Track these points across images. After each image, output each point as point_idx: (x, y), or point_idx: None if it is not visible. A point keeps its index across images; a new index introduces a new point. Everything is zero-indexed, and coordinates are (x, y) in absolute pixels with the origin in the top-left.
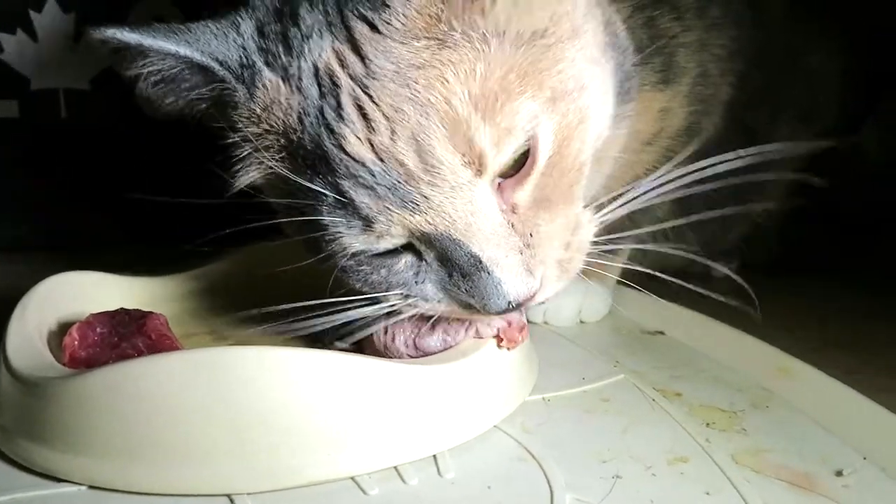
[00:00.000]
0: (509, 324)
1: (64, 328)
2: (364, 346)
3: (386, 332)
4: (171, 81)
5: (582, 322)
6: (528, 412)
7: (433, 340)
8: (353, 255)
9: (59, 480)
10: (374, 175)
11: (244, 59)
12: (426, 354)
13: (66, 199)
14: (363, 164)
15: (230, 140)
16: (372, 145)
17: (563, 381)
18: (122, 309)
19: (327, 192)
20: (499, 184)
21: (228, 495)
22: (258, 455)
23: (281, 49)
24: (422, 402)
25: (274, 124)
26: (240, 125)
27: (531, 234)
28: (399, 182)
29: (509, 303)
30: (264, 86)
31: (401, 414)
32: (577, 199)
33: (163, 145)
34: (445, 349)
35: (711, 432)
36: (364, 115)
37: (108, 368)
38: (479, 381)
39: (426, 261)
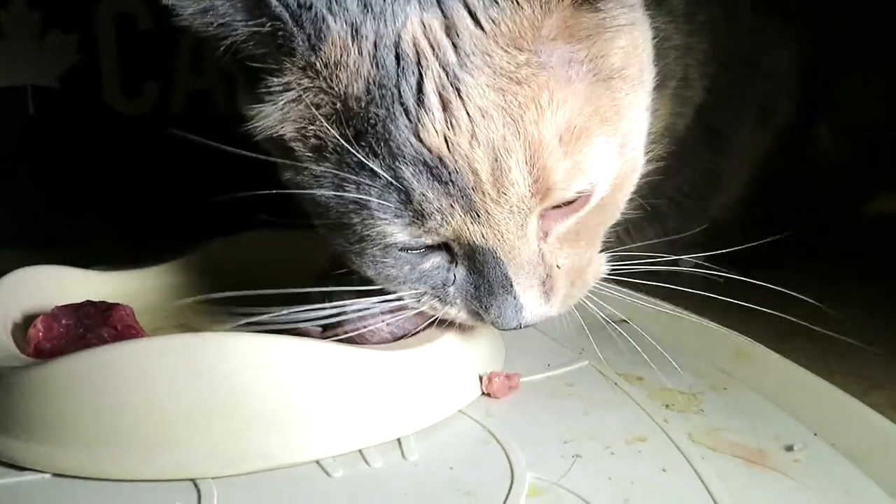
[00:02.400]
0: (490, 380)
1: (29, 321)
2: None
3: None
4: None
5: None
6: (493, 397)
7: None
8: (385, 245)
9: (23, 469)
10: (449, 172)
11: None
12: (402, 326)
13: (34, 198)
14: (439, 158)
15: (266, 82)
16: (447, 143)
17: (528, 368)
18: (87, 301)
19: (382, 174)
20: (542, 212)
21: (193, 480)
22: (222, 440)
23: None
24: (386, 387)
25: (334, 86)
26: (288, 73)
27: (557, 266)
28: (468, 188)
29: (520, 325)
30: (332, 42)
31: (365, 399)
32: (600, 239)
33: (132, 141)
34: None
35: (670, 413)
36: (445, 108)
37: (71, 357)
38: (443, 367)
39: (455, 267)
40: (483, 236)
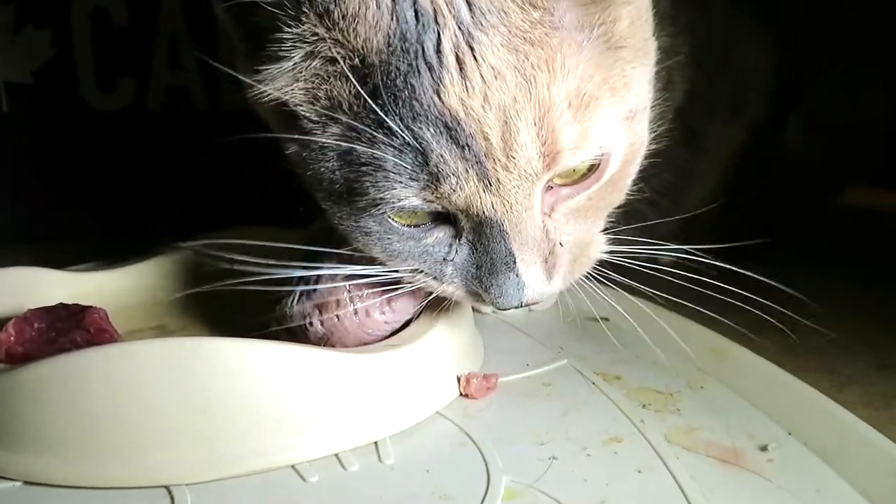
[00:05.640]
0: (468, 381)
1: (1, 324)
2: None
3: (357, 314)
4: None
5: (530, 311)
6: (471, 398)
7: (405, 299)
8: (391, 215)
9: None
10: (465, 136)
11: None
12: (401, 316)
13: (7, 194)
14: (457, 121)
15: (280, 36)
16: (463, 105)
17: (507, 368)
18: (60, 304)
19: (400, 133)
20: (549, 186)
21: (167, 487)
22: (197, 445)
23: None
24: (363, 389)
25: (351, 39)
26: (305, 20)
27: (561, 244)
28: (481, 154)
29: (521, 303)
30: None
31: (342, 402)
32: (604, 217)
33: (107, 137)
34: (416, 306)
35: (647, 413)
36: (461, 69)
37: (41, 363)
38: (421, 369)
39: (458, 243)
40: (493, 206)
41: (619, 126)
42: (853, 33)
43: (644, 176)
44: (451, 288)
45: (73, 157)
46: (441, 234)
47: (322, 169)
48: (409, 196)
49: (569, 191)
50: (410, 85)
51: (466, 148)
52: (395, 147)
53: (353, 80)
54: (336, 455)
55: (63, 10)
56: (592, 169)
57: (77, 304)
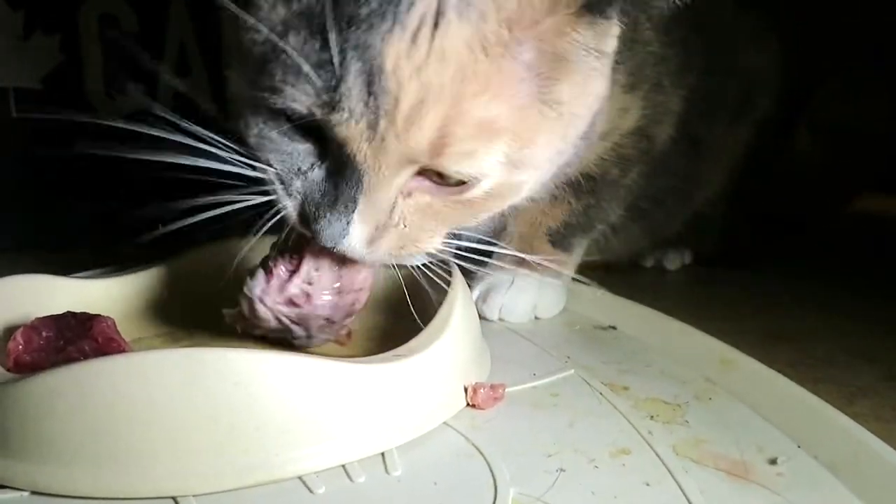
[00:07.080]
0: (475, 392)
1: (9, 333)
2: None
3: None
4: None
5: (537, 318)
6: (478, 409)
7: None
8: (280, 105)
9: (0, 487)
10: (380, 87)
11: None
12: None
13: (17, 200)
14: (381, 70)
15: None
16: (396, 60)
17: (514, 378)
18: (68, 312)
19: (334, 50)
20: (420, 172)
21: (174, 498)
22: (204, 456)
23: None
24: (371, 400)
25: None
26: None
27: (403, 225)
28: (382, 109)
29: (332, 247)
30: None
31: (349, 413)
32: (448, 230)
33: (114, 144)
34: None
35: (655, 425)
36: (415, 34)
37: (49, 373)
38: (427, 380)
39: (319, 165)
40: (365, 157)
41: (500, 165)
42: (855, 38)
43: (651, 179)
44: (290, 202)
45: (81, 162)
46: (310, 146)
47: (247, 37)
48: (303, 104)
49: (431, 186)
50: (370, 21)
51: (373, 96)
52: (320, 59)
53: None
54: (343, 466)
55: (72, 15)
56: (460, 182)
57: (85, 313)
